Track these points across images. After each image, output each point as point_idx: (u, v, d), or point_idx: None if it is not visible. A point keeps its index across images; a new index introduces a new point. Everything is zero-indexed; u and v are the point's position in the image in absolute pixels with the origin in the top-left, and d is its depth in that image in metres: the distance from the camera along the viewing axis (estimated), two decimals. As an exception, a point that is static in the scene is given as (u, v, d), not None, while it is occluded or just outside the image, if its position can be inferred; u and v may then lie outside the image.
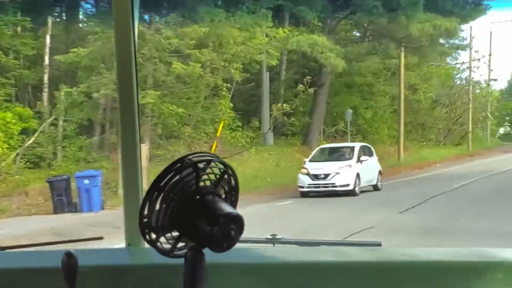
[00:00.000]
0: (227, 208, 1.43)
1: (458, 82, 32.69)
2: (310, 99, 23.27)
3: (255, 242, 2.16)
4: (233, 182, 1.52)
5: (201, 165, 1.45)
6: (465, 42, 29.57)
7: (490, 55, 33.47)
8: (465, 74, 31.59)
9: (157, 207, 1.43)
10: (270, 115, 22.26)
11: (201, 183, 1.45)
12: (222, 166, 1.49)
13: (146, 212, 1.43)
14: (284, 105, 21.09)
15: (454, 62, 31.23)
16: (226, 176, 1.50)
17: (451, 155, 26.80)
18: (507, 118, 56.43)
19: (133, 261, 2.03)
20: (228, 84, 20.76)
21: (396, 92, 24.63)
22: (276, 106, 21.29)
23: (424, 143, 28.22)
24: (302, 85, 21.14)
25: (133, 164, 2.06)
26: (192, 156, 1.47)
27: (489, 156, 28.12)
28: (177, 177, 1.43)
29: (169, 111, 19.28)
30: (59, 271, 1.46)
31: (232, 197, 1.53)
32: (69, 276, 1.46)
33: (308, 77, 21.18)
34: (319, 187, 16.34)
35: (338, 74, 23.46)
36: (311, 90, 21.43)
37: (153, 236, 1.46)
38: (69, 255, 1.46)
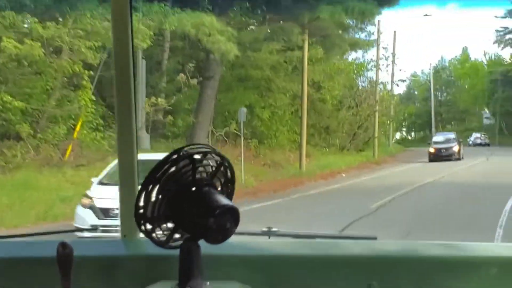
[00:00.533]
0: (223, 200, 1.44)
1: (364, 83, 30.33)
2: (197, 95, 19.04)
3: (251, 235, 2.14)
4: (229, 174, 1.55)
5: (197, 157, 1.46)
6: (373, 38, 26.92)
7: (394, 55, 31.32)
8: (371, 73, 29.15)
9: (153, 198, 1.44)
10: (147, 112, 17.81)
11: (198, 175, 1.47)
12: (218, 158, 1.51)
13: (142, 203, 1.44)
14: (159, 99, 16.56)
15: (362, 59, 28.41)
16: (222, 168, 1.52)
17: (356, 163, 23.81)
18: (404, 123, 55.75)
19: (128, 252, 2.00)
20: (91, 72, 16.10)
21: (298, 89, 20.98)
22: (149, 100, 16.72)
23: (327, 149, 25.06)
24: (183, 75, 16.70)
25: (129, 156, 2.04)
26: (189, 147, 1.49)
27: (396, 164, 25.34)
28: (174, 168, 1.44)
29: (2, 103, 14.34)
30: (54, 261, 1.48)
31: (228, 189, 1.56)
32: (64, 266, 1.48)
33: (190, 64, 16.78)
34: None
35: (231, 66, 19.48)
36: (195, 82, 17.07)
37: (149, 227, 1.48)
38: (64, 245, 1.49)
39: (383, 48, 27.69)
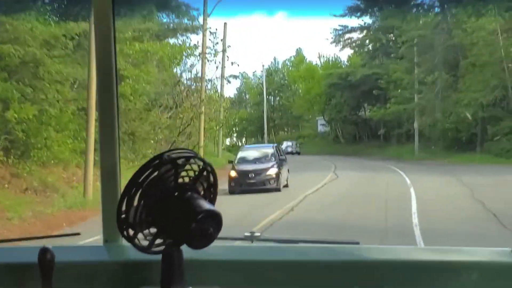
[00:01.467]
0: (205, 205, 1.45)
1: (188, 80, 24.55)
2: None
3: (233, 239, 2.13)
4: (211, 179, 1.56)
5: (180, 162, 1.47)
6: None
7: (224, 51, 25.96)
8: (198, 66, 23.43)
9: (135, 203, 1.44)
10: None
11: (180, 180, 1.49)
12: (201, 163, 1.52)
13: (124, 208, 1.44)
14: None
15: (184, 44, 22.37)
16: (205, 173, 1.53)
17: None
18: (235, 128, 51.24)
19: (110, 258, 1.98)
20: None
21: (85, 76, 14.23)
22: None
23: (137, 163, 18.55)
24: None
25: (111, 160, 2.02)
26: (171, 152, 1.48)
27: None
28: (156, 173, 1.45)
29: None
30: (36, 267, 1.51)
31: (211, 194, 1.57)
32: (45, 272, 1.50)
33: None
34: None
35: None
36: None
37: (131, 232, 1.48)
38: (45, 250, 1.51)
39: (211, 33, 21.96)
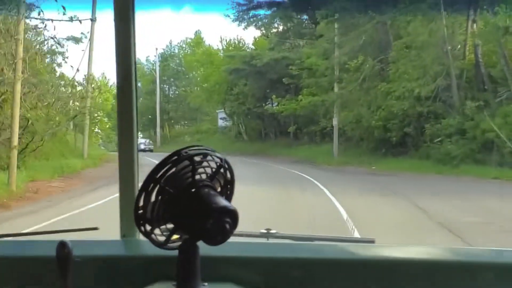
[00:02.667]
0: (222, 201, 1.43)
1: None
2: None
3: (249, 236, 2.13)
4: (229, 175, 1.54)
5: (197, 158, 1.46)
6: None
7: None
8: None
9: (153, 198, 1.44)
10: None
11: (197, 176, 1.47)
12: (218, 160, 1.50)
13: (141, 203, 1.44)
14: None
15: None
16: (222, 170, 1.52)
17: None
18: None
19: (128, 252, 1.99)
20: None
21: None
22: None
23: None
24: None
25: (129, 155, 2.02)
26: (189, 149, 1.48)
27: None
28: (174, 169, 1.44)
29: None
30: (54, 261, 1.49)
31: (228, 190, 1.55)
32: (63, 266, 1.48)
33: None
34: None
35: None
36: None
37: (148, 227, 1.47)
38: (63, 244, 1.49)
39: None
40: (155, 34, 54.98)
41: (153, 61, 43.12)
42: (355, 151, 23.64)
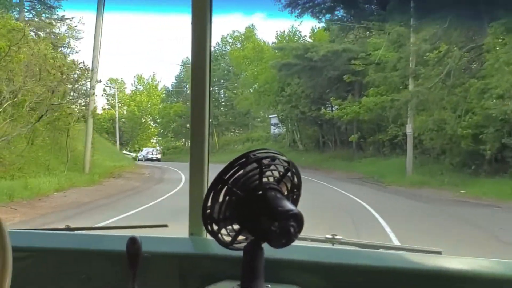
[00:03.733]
0: (288, 205, 1.44)
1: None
2: None
3: (314, 241, 2.15)
4: (296, 180, 1.56)
5: (265, 161, 1.48)
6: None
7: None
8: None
9: (220, 199, 1.47)
10: None
11: (264, 179, 1.49)
12: (286, 164, 1.52)
13: (209, 203, 1.48)
14: None
15: None
16: (289, 174, 1.54)
17: None
18: (172, 126, 40.15)
19: (194, 250, 2.03)
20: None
21: None
22: None
23: None
24: None
25: (200, 156, 2.08)
26: (257, 151, 1.50)
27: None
28: (241, 171, 1.46)
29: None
30: (124, 255, 1.59)
31: (294, 194, 1.58)
32: (133, 260, 1.58)
33: None
34: None
35: None
36: None
37: (215, 227, 1.51)
38: (133, 240, 1.59)
39: None
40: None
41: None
42: (435, 168, 18.14)
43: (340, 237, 2.13)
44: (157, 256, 1.83)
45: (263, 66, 28.51)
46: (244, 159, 1.46)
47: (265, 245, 1.47)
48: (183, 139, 41.06)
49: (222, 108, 39.10)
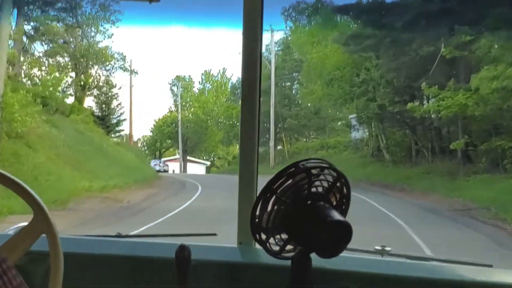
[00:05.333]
0: (337, 215, 1.44)
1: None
2: None
3: (363, 252, 2.12)
4: (345, 190, 1.55)
5: (314, 171, 1.49)
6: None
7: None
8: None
9: (269, 208, 1.48)
10: None
11: (313, 189, 1.49)
12: (335, 174, 1.51)
13: (258, 212, 1.50)
14: None
15: None
16: (338, 184, 1.53)
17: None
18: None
19: (243, 259, 2.03)
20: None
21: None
22: None
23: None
24: None
25: (250, 167, 2.10)
26: (306, 161, 1.51)
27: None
28: (290, 181, 1.47)
29: None
30: (173, 262, 1.62)
31: (343, 205, 1.56)
32: (181, 268, 1.61)
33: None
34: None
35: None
36: None
37: (263, 236, 1.53)
38: (182, 247, 1.62)
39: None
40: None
41: (270, 48, 32.04)
42: None
43: (389, 248, 2.11)
44: (206, 264, 1.85)
45: (333, 48, 21.02)
46: (293, 169, 1.46)
47: (313, 255, 1.47)
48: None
49: (292, 108, 31.91)
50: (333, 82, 21.06)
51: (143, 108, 48.14)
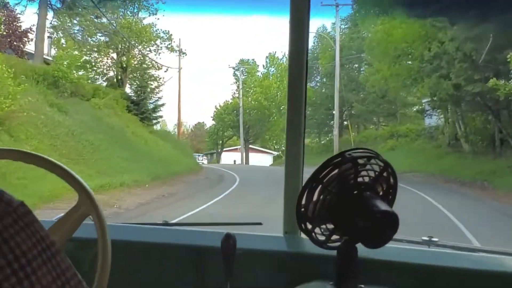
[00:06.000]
0: (383, 205, 1.41)
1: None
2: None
3: (410, 242, 2.10)
4: (392, 180, 1.52)
5: (361, 161, 1.45)
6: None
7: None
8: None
9: (315, 198, 1.46)
10: None
11: (360, 179, 1.46)
12: (382, 164, 1.48)
13: (303, 202, 1.47)
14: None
15: None
16: (385, 174, 1.49)
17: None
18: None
19: (288, 249, 1.99)
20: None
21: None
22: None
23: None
24: None
25: (296, 155, 2.06)
26: (353, 151, 1.47)
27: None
28: (336, 170, 1.44)
29: None
30: (218, 251, 1.61)
31: (390, 195, 1.53)
32: (227, 256, 1.60)
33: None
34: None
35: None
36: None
37: (309, 226, 1.51)
38: (228, 236, 1.61)
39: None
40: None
41: (334, 27, 28.97)
42: None
43: (436, 239, 2.07)
44: (251, 253, 1.84)
45: (400, 19, 17.85)
46: (339, 159, 1.44)
47: (359, 245, 1.46)
48: (315, 134, 31.65)
49: (360, 93, 28.74)
50: (400, 59, 17.92)
51: (195, 94, 46.08)
